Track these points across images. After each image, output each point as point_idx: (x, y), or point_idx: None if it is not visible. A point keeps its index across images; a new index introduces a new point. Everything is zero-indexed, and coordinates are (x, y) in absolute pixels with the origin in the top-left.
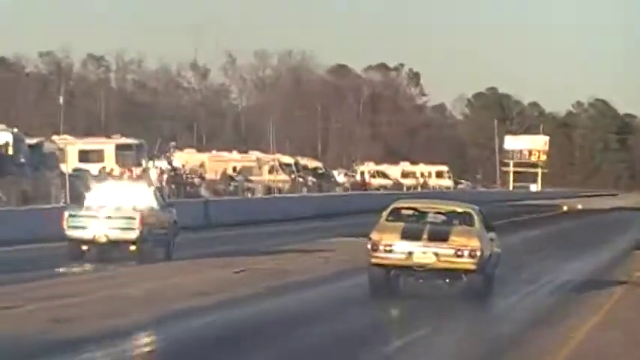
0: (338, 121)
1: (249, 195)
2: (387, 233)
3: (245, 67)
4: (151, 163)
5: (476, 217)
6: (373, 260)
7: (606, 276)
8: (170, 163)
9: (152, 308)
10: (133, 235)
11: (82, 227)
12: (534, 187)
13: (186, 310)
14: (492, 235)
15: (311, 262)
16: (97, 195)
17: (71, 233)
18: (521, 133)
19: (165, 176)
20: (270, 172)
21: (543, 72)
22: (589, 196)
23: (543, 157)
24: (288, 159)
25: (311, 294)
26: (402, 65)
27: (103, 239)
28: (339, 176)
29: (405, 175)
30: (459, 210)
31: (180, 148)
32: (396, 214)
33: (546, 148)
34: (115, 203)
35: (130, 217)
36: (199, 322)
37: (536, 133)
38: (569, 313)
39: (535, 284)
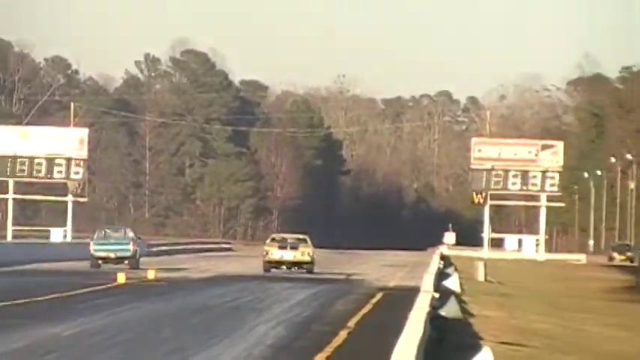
0: None
1: None
2: (271, 247)
3: None
4: None
5: (308, 239)
6: (266, 259)
7: None
8: None
9: None
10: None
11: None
12: (58, 235)
13: None
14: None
15: None
16: None
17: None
18: (31, 122)
19: None
20: None
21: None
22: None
23: (77, 173)
24: None
25: None
26: None
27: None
28: None
29: None
30: (301, 237)
31: None
32: (273, 239)
33: (83, 152)
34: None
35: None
36: None
37: (65, 120)
38: None
39: None
